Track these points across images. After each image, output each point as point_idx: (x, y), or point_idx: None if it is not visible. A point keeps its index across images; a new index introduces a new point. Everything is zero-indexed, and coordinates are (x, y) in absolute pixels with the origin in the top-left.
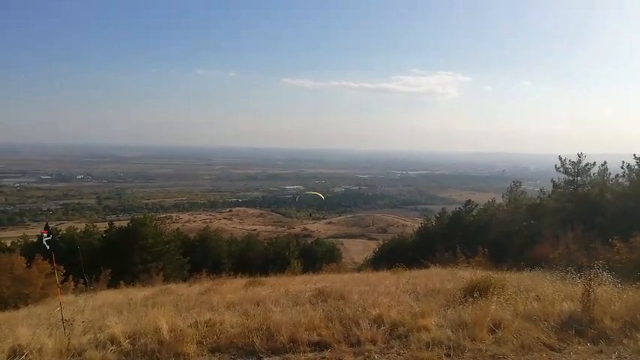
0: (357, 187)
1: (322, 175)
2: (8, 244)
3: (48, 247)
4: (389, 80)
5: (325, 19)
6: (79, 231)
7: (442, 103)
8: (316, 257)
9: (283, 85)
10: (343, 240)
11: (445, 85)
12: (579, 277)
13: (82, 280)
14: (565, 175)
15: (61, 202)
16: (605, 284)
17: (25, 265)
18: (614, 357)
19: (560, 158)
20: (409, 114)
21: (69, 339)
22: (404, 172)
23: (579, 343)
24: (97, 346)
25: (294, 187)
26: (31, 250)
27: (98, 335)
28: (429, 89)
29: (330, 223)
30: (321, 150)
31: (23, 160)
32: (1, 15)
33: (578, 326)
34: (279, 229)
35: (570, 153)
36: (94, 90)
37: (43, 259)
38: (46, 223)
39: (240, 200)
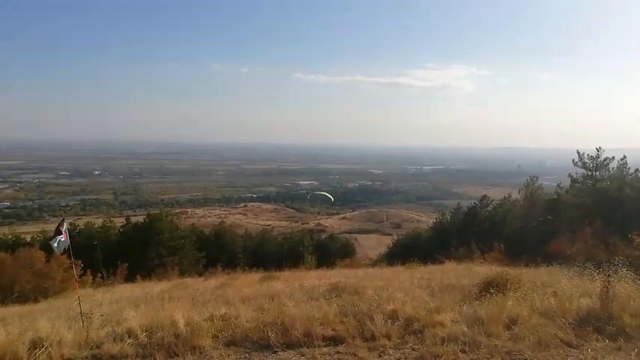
0: (370, 183)
1: (336, 171)
2: (28, 238)
3: (55, 246)
4: (402, 75)
5: (338, 13)
6: (96, 226)
7: (457, 97)
8: (330, 252)
9: (296, 81)
10: (357, 235)
11: (460, 78)
12: (598, 273)
13: (99, 274)
14: (583, 170)
15: (79, 198)
16: (624, 280)
17: (44, 260)
18: (633, 354)
19: (578, 153)
20: (423, 109)
21: (87, 332)
22: (418, 168)
23: (597, 340)
24: (114, 339)
25: (308, 182)
26: (50, 245)
27: (116, 328)
28: (443, 83)
29: (344, 218)
30: (334, 145)
31: (41, 156)
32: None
33: (596, 323)
34: (294, 224)
35: (588, 148)
36: (108, 87)
37: (61, 254)
38: (59, 223)
39: (254, 196)
